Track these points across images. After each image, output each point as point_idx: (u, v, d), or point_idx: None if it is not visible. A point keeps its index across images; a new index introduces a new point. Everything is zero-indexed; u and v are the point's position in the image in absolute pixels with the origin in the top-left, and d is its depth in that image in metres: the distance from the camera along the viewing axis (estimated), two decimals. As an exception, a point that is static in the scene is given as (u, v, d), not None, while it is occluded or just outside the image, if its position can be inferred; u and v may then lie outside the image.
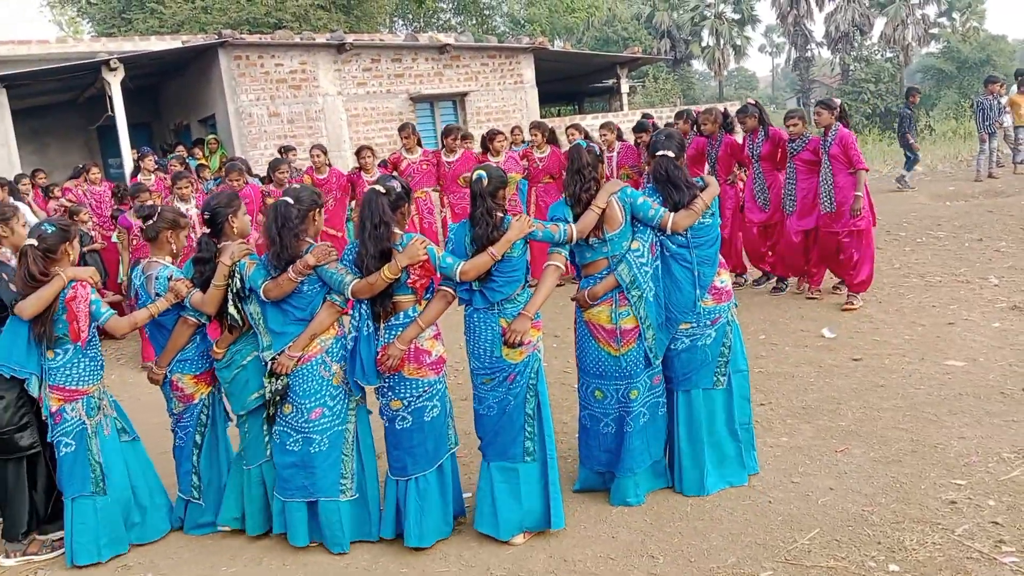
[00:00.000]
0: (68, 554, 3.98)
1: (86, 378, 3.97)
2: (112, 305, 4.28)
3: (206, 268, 3.95)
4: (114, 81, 12.16)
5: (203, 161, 11.74)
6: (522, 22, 33.12)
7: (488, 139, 9.21)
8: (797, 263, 7.59)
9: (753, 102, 7.75)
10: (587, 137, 8.91)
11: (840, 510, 3.78)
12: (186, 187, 7.64)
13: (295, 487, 3.85)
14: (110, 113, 12.35)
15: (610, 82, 19.01)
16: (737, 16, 46.63)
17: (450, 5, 32.37)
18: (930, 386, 5.16)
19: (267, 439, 3.99)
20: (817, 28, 46.33)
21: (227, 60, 12.97)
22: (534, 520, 3.81)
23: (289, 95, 13.53)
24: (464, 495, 4.14)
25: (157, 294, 4.01)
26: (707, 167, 7.90)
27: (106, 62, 12.12)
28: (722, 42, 45.50)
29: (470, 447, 4.47)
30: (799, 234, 7.36)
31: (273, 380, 3.81)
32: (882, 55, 44.76)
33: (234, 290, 3.84)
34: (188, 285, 3.96)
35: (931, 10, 45.00)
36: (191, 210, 7.01)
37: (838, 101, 7.26)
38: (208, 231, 4.03)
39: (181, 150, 12.32)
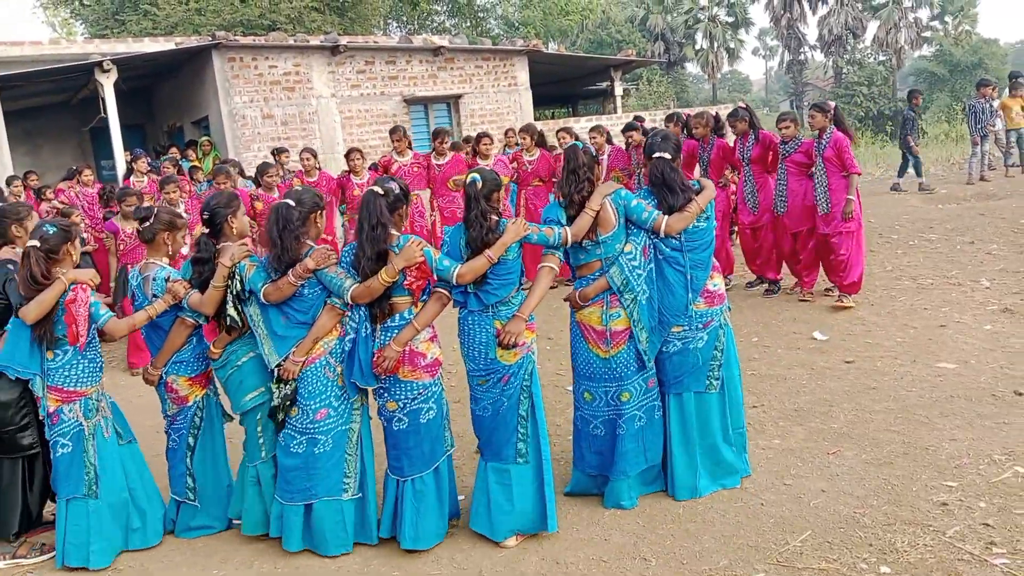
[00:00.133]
0: (59, 555, 3.97)
1: (84, 380, 3.96)
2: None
3: (205, 269, 3.95)
4: (107, 82, 12.13)
5: (196, 163, 11.72)
6: (516, 25, 33.16)
7: (475, 142, 9.21)
8: (779, 262, 7.70)
9: (743, 106, 7.81)
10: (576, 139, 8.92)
11: (832, 512, 3.78)
12: (173, 191, 7.60)
13: (296, 489, 3.85)
14: (103, 115, 12.32)
15: (604, 85, 19.05)
16: (731, 19, 46.70)
17: (444, 7, 32.38)
18: (922, 388, 5.18)
19: (261, 440, 3.99)
20: (810, 31, 46.33)
21: (221, 62, 12.95)
22: (527, 522, 3.81)
23: (283, 97, 13.52)
24: (458, 498, 4.14)
25: (154, 295, 4.00)
26: (699, 170, 7.93)
27: (99, 63, 12.10)
28: (716, 45, 45.56)
29: (463, 449, 4.46)
30: (789, 236, 7.41)
31: (282, 386, 3.81)
32: (875, 58, 44.88)
33: (234, 292, 3.84)
34: (186, 286, 3.96)
35: (924, 14, 45.12)
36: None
37: (832, 104, 7.30)
38: (207, 231, 4.02)
39: (174, 152, 12.32)
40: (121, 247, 7.50)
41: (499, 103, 15.78)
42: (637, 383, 4.00)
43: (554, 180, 8.96)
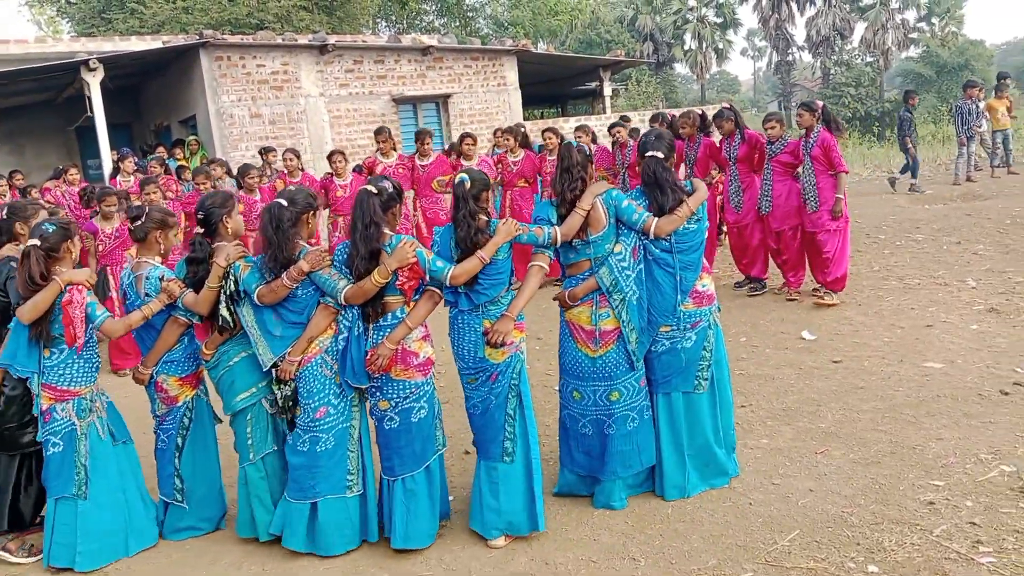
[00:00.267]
0: (45, 555, 3.95)
1: (79, 379, 3.95)
2: None
3: (199, 268, 3.94)
4: (93, 81, 12.04)
5: (183, 162, 11.66)
6: (505, 24, 33.12)
7: (457, 143, 9.20)
8: (765, 262, 7.81)
9: (728, 106, 7.86)
10: (563, 141, 8.93)
11: (820, 511, 3.80)
12: (154, 192, 7.54)
13: (302, 488, 3.86)
14: (89, 114, 12.22)
15: (593, 85, 19.06)
16: (719, 20, 46.83)
17: (433, 7, 32.33)
18: (909, 388, 5.20)
19: (250, 442, 3.99)
20: (798, 32, 46.54)
21: (208, 61, 12.87)
22: (515, 522, 3.80)
23: (271, 96, 13.45)
24: (449, 499, 4.13)
25: (147, 294, 3.99)
26: (685, 169, 7.96)
27: (85, 62, 12.00)
28: (704, 45, 45.69)
29: (452, 450, 4.45)
30: (774, 235, 7.49)
31: (282, 387, 3.82)
32: (862, 59, 45.10)
33: (227, 292, 3.83)
34: (181, 285, 3.95)
35: (910, 15, 45.40)
36: None
37: (820, 103, 7.35)
38: (201, 231, 4.02)
39: (161, 151, 12.24)
40: (100, 248, 7.44)
41: (488, 103, 15.75)
42: (627, 383, 3.99)
43: (549, 180, 8.97)
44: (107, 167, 11.85)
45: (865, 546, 3.47)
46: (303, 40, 14.25)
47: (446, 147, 9.48)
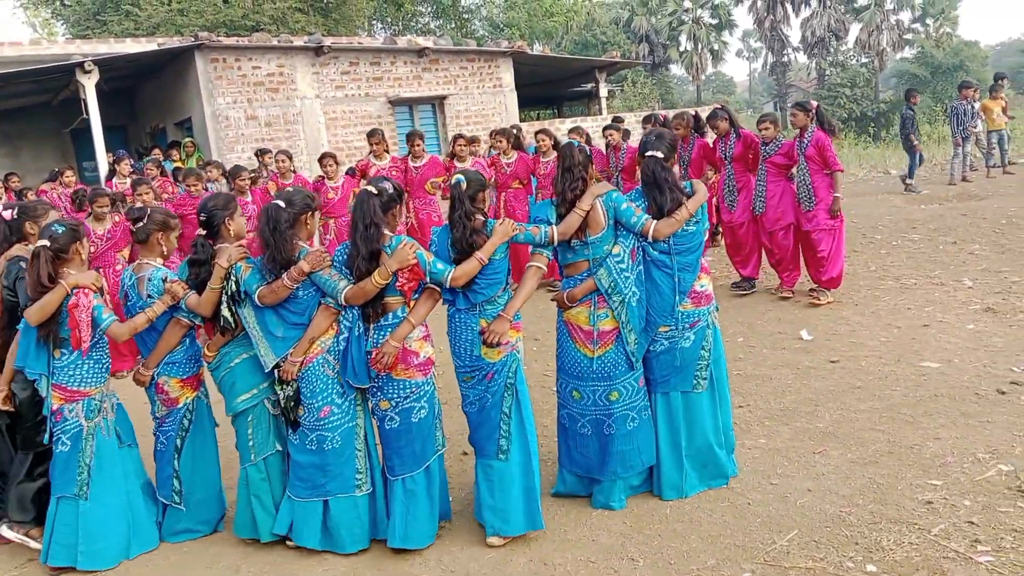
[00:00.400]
0: (43, 552, 3.96)
1: (88, 380, 3.96)
2: None
3: (201, 270, 3.95)
4: (89, 83, 12.03)
5: (179, 164, 11.65)
6: (501, 26, 33.16)
7: (450, 144, 9.18)
8: (758, 261, 7.86)
9: (720, 106, 7.90)
10: (555, 144, 8.94)
11: (818, 511, 3.80)
12: (146, 193, 7.51)
13: (312, 486, 3.87)
14: (85, 116, 12.22)
15: (589, 86, 19.08)
16: (715, 21, 46.91)
17: (429, 8, 32.36)
18: (906, 387, 5.20)
19: (251, 443, 3.99)
20: (793, 33, 46.78)
21: (204, 63, 12.87)
22: (511, 520, 3.79)
23: (267, 98, 13.45)
24: (449, 500, 4.12)
25: (149, 296, 3.99)
26: (680, 170, 7.98)
27: (80, 64, 11.99)
28: (700, 47, 45.76)
29: (451, 452, 4.45)
30: (767, 235, 7.55)
31: (284, 387, 3.84)
32: (857, 60, 45.20)
33: (229, 293, 3.84)
34: (184, 287, 3.96)
35: (905, 16, 45.53)
36: None
37: (814, 103, 7.38)
38: (204, 233, 4.03)
39: (157, 153, 12.22)
40: (92, 249, 7.41)
41: (484, 104, 15.77)
42: (626, 383, 3.99)
43: (543, 182, 8.97)
44: (103, 169, 11.83)
45: (863, 545, 3.47)
46: (299, 42, 14.25)
47: (451, 149, 9.42)
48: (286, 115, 13.59)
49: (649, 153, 4.05)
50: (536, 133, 9.42)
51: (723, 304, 7.12)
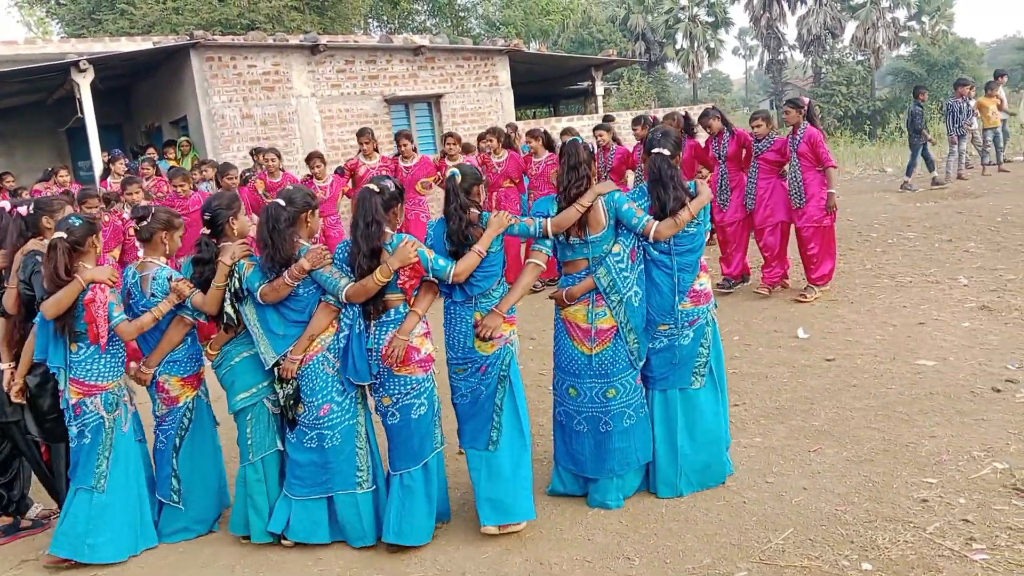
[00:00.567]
0: (53, 543, 3.99)
1: (106, 374, 3.99)
2: None
3: (206, 269, 3.98)
4: (83, 82, 11.98)
5: (175, 163, 11.62)
6: (497, 24, 33.12)
7: (442, 142, 9.15)
8: (743, 260, 7.93)
9: (712, 106, 7.97)
10: (548, 143, 8.93)
11: (814, 509, 3.80)
12: (136, 193, 7.47)
13: (312, 483, 3.89)
14: (79, 115, 12.17)
15: (585, 84, 19.05)
16: (711, 19, 46.85)
17: (425, 7, 32.30)
18: (901, 385, 5.21)
19: (250, 442, 4.00)
20: (789, 31, 46.88)
21: (199, 61, 12.82)
22: (501, 508, 3.83)
23: (262, 97, 13.41)
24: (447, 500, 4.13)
25: (152, 294, 4.01)
26: None
27: (75, 63, 11.94)
28: (696, 45, 45.71)
29: (448, 451, 4.44)
30: (757, 232, 7.64)
31: (284, 385, 3.86)
32: (853, 58, 45.20)
33: (232, 290, 3.87)
34: (190, 286, 3.98)
35: (901, 14, 45.49)
36: None
37: (806, 100, 7.42)
38: (208, 232, 4.05)
39: (152, 152, 12.19)
40: None
41: (480, 103, 15.74)
42: (624, 380, 4.00)
43: (535, 181, 8.96)
44: (98, 168, 11.79)
45: (859, 544, 3.47)
46: (294, 40, 14.21)
47: (460, 148, 9.37)
48: (282, 114, 13.55)
49: (656, 150, 4.06)
50: (526, 134, 9.37)
51: (718, 302, 7.13)
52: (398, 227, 3.87)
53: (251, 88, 13.30)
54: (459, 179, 3.82)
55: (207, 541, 4.18)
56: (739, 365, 5.90)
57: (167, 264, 4.15)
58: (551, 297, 4.16)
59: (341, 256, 3.82)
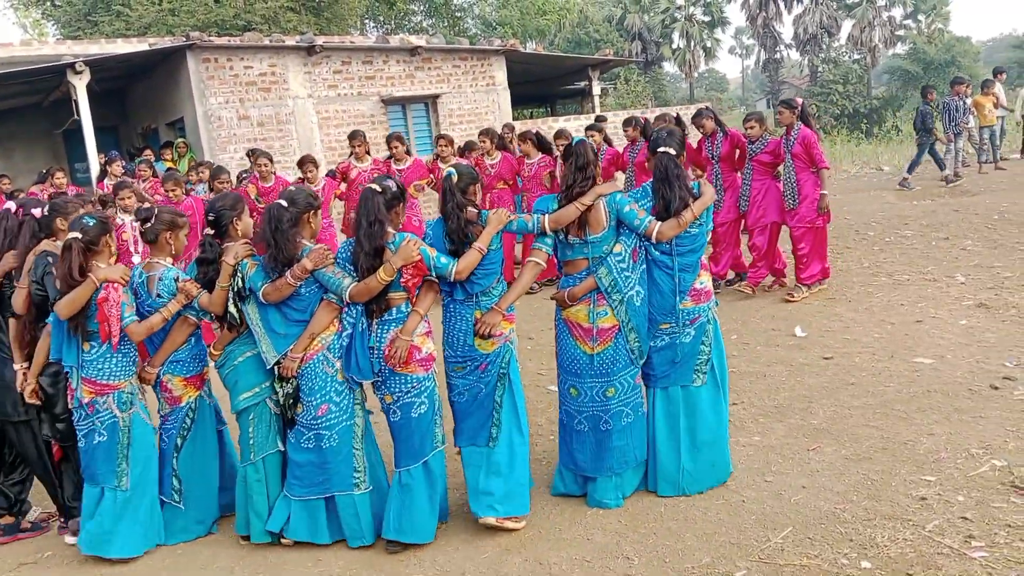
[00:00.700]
0: (80, 542, 4.03)
1: (117, 373, 4.00)
2: None
3: (209, 269, 4.00)
4: (80, 84, 11.96)
5: (172, 165, 11.61)
6: (494, 24, 33.09)
7: (435, 143, 9.13)
8: (730, 260, 7.96)
9: (706, 105, 7.98)
10: (540, 144, 8.92)
11: (813, 508, 3.80)
12: (128, 198, 7.42)
13: (311, 483, 3.90)
14: (76, 117, 12.15)
15: (582, 84, 19.04)
16: (707, 18, 46.93)
17: (421, 7, 32.27)
18: (899, 383, 5.21)
19: (251, 442, 4.01)
20: (786, 30, 46.72)
21: (195, 63, 12.80)
22: (499, 502, 3.84)
23: (259, 98, 13.39)
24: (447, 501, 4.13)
25: (159, 295, 4.02)
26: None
27: (71, 65, 11.92)
28: (692, 44, 45.79)
29: (448, 450, 4.44)
30: (750, 233, 7.66)
31: (284, 384, 3.87)
32: (850, 57, 45.28)
33: (235, 289, 3.88)
34: (197, 286, 4.00)
35: (897, 12, 45.62)
36: (134, 221, 6.77)
37: (800, 100, 7.44)
38: (212, 232, 4.06)
39: (149, 154, 12.17)
40: None
41: (477, 103, 15.72)
42: (623, 379, 4.01)
43: (528, 183, 8.94)
44: (95, 170, 11.77)
45: (858, 542, 3.48)
46: (291, 41, 14.19)
47: (461, 149, 9.34)
48: (278, 115, 13.53)
49: (662, 149, 4.07)
50: (519, 136, 9.34)
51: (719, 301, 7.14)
52: (400, 227, 3.89)
53: (247, 89, 13.28)
54: (455, 178, 3.85)
55: (206, 543, 4.18)
56: (737, 364, 5.90)
57: (173, 264, 4.16)
58: (552, 298, 4.17)
59: (344, 256, 3.85)
